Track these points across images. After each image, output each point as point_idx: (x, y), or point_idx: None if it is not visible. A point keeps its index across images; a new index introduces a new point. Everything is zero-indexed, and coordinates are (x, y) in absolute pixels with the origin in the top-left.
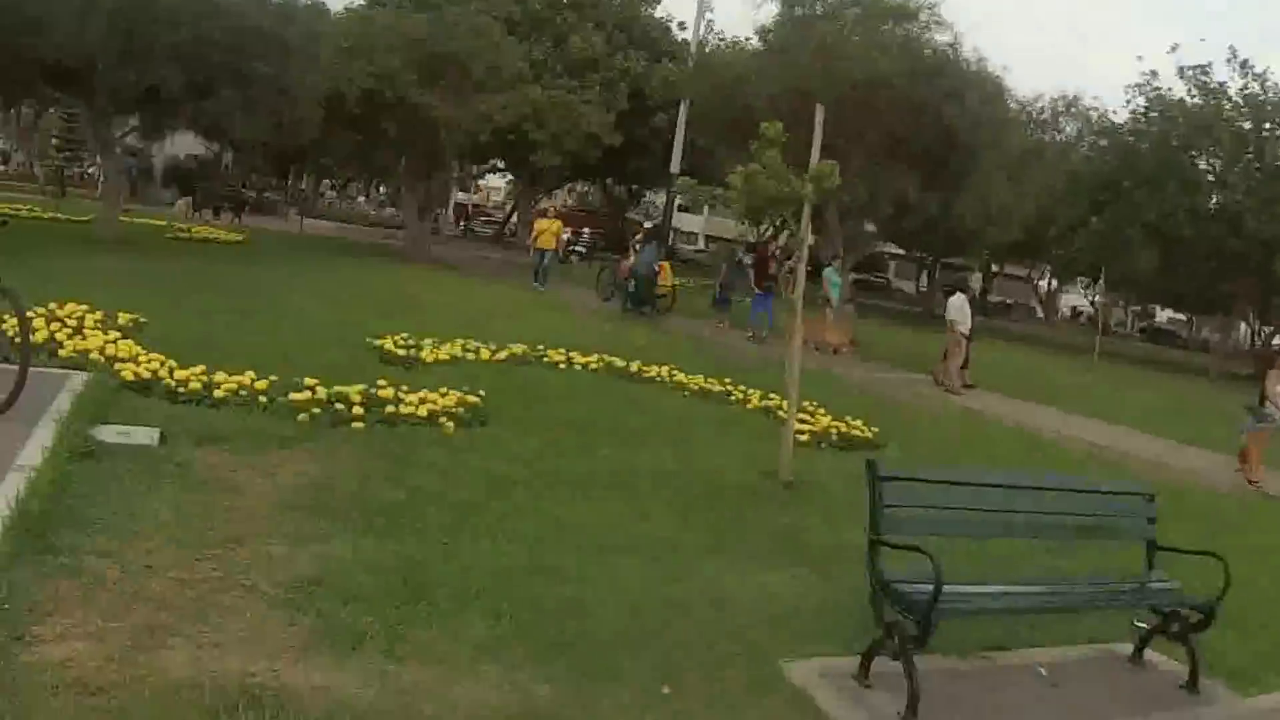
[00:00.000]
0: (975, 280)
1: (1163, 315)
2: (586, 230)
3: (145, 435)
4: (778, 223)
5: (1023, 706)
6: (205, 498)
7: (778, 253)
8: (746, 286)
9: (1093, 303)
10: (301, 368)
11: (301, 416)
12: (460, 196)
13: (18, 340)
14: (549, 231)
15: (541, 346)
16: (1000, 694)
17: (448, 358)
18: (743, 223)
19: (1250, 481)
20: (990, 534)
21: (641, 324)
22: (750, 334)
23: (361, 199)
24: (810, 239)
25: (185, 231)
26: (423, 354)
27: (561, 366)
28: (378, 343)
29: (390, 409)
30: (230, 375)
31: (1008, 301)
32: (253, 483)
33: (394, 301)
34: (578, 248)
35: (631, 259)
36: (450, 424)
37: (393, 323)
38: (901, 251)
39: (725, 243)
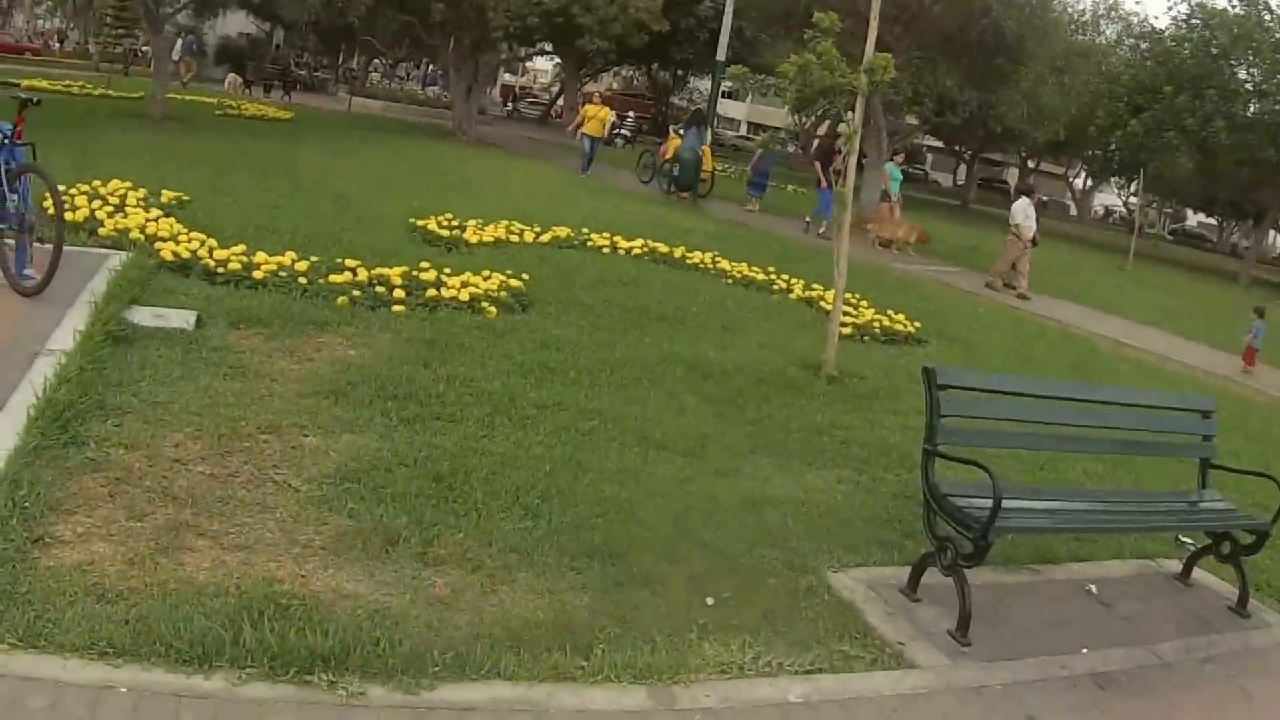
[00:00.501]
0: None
1: (1193, 219)
2: (631, 114)
3: (181, 318)
4: (822, 113)
5: (1073, 625)
6: (239, 384)
7: (844, 147)
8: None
9: (1125, 203)
10: (343, 248)
11: (341, 299)
12: (507, 78)
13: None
14: (597, 118)
15: (585, 230)
16: (1049, 611)
17: (491, 240)
18: (791, 113)
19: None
20: (1044, 446)
21: (684, 208)
22: (808, 222)
23: (410, 79)
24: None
25: (234, 108)
26: (466, 236)
27: (605, 251)
28: (421, 224)
29: (431, 292)
30: (270, 256)
31: (1043, 198)
32: (289, 368)
33: (439, 181)
34: (622, 132)
35: (671, 143)
36: (492, 308)
37: (437, 203)
38: (940, 144)
39: (769, 130)
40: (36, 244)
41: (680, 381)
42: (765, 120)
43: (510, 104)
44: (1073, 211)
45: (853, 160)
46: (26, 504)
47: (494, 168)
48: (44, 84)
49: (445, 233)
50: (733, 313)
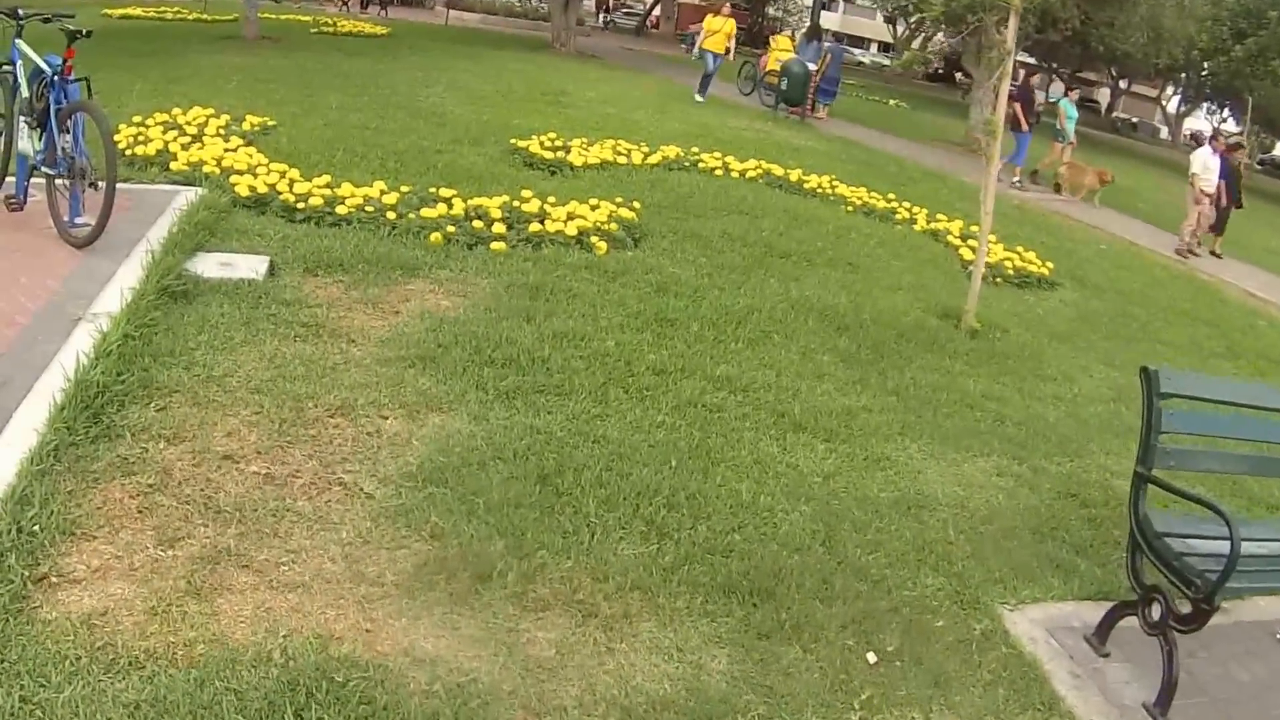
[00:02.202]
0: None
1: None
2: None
3: (250, 266)
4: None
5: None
6: (311, 348)
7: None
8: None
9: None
10: (438, 174)
11: (434, 236)
12: None
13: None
14: (721, 32)
15: (695, 150)
16: (1247, 666)
17: (597, 162)
18: (888, 22)
19: None
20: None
21: (792, 125)
22: (1016, 179)
23: None
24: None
25: (330, 26)
26: (570, 157)
27: (718, 174)
28: (522, 144)
29: (535, 226)
30: (357, 188)
31: (1133, 120)
32: (370, 325)
33: (539, 97)
34: None
35: (771, 54)
36: (602, 244)
37: (538, 119)
38: (1032, 61)
39: (834, 42)
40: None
41: (813, 335)
42: (856, 31)
43: (605, 14)
44: (1164, 135)
45: (1005, 86)
46: (35, 528)
47: (595, 81)
48: (137, 10)
49: (548, 155)
50: (858, 248)
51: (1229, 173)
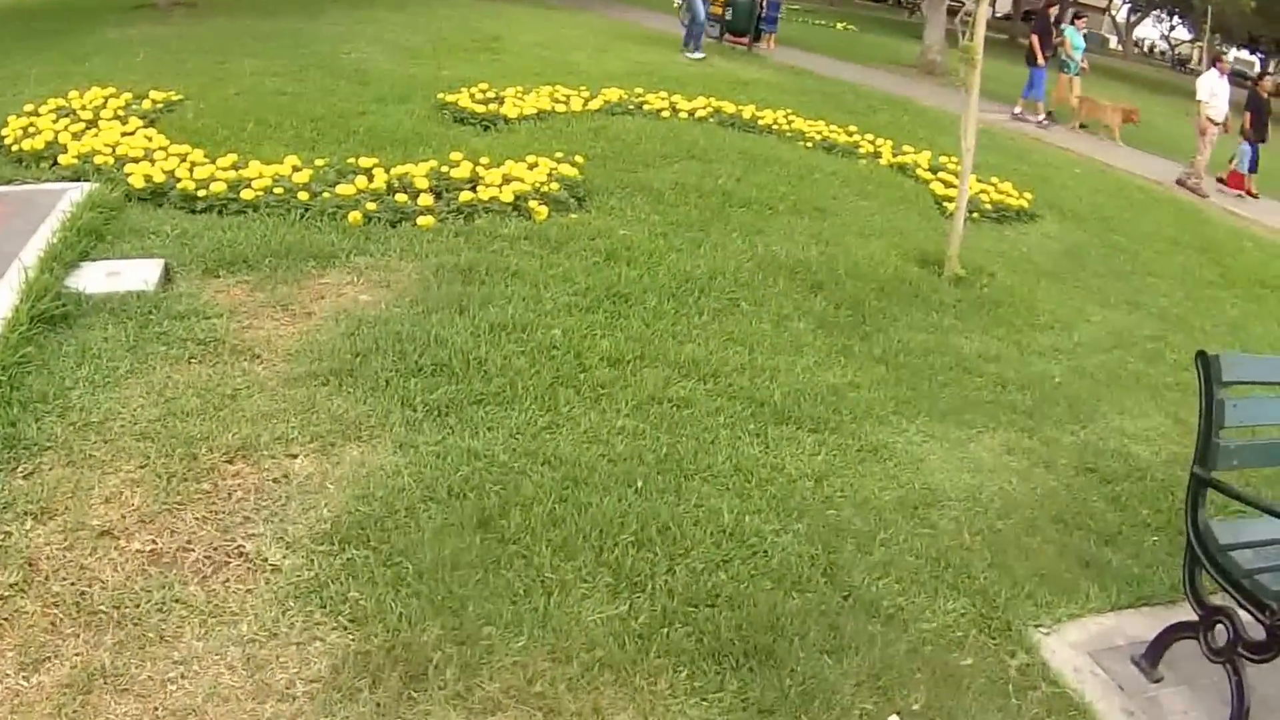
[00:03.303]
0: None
1: (1230, 55)
2: None
3: (142, 273)
4: None
5: None
6: (208, 372)
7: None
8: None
9: (1166, 37)
10: (359, 140)
11: (353, 216)
12: None
13: None
14: None
15: (639, 91)
16: None
17: (534, 111)
18: None
19: None
20: None
21: (740, 56)
22: (1041, 118)
23: None
24: None
25: None
26: (504, 109)
27: (664, 115)
28: (451, 99)
29: (466, 195)
30: (266, 166)
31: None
32: (278, 335)
33: (469, 44)
34: None
35: None
36: (542, 208)
37: (470, 68)
38: None
39: None
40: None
41: (785, 298)
42: None
43: None
44: (1114, 45)
45: (984, 7)
46: None
47: (531, 22)
48: None
49: (480, 108)
50: (823, 189)
51: (1259, 105)
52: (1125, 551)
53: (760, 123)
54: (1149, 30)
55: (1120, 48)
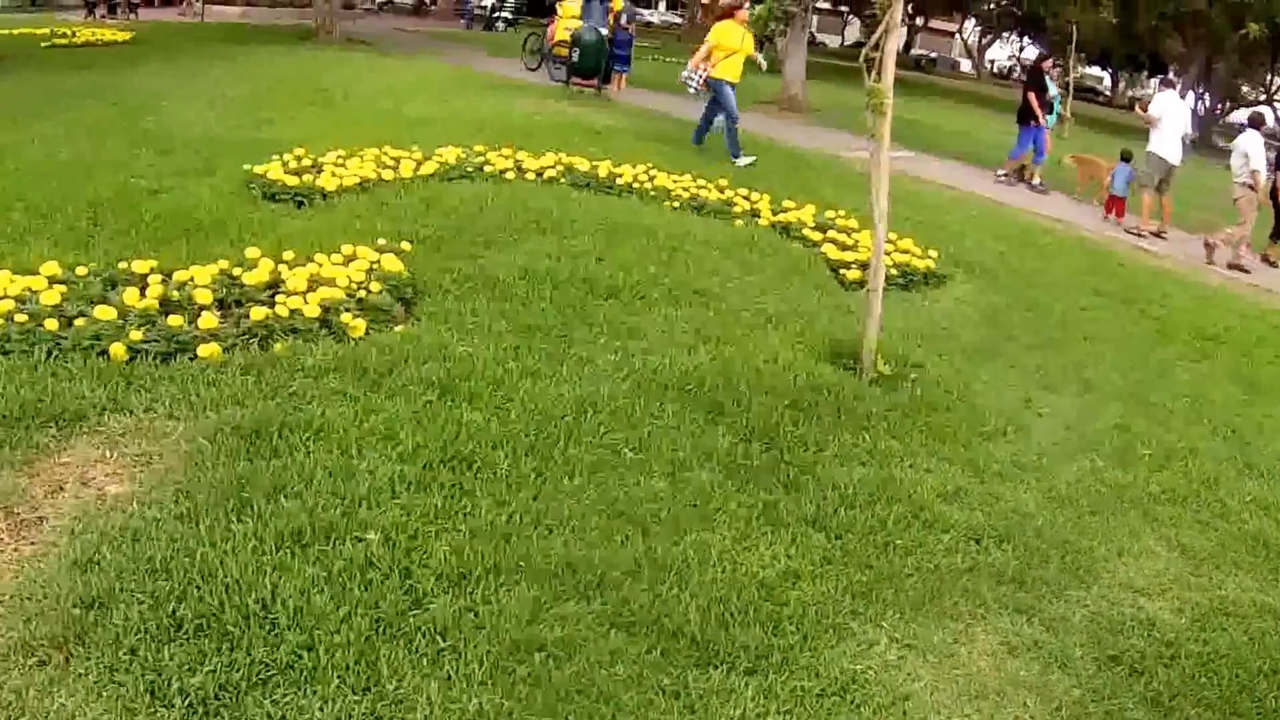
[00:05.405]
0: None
1: (1077, 70)
2: None
3: None
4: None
5: None
6: None
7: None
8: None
9: (1016, 57)
10: (145, 230)
11: (115, 349)
12: None
13: None
14: (741, 51)
15: (480, 149)
16: None
17: (356, 182)
18: None
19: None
20: None
21: (589, 102)
22: (1035, 178)
23: None
24: None
25: (67, 36)
26: (322, 180)
27: (509, 177)
28: (261, 170)
29: (257, 312)
30: (17, 277)
31: (931, 55)
32: None
33: (294, 99)
34: (503, 14)
35: (559, 23)
36: (358, 322)
37: (292, 128)
38: (826, 4)
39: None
40: None
41: (679, 434)
42: None
43: None
44: (965, 67)
45: (892, 43)
46: None
47: (360, 73)
48: None
49: (294, 180)
50: (700, 263)
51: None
52: None
53: (619, 181)
54: (1001, 52)
55: (974, 71)
